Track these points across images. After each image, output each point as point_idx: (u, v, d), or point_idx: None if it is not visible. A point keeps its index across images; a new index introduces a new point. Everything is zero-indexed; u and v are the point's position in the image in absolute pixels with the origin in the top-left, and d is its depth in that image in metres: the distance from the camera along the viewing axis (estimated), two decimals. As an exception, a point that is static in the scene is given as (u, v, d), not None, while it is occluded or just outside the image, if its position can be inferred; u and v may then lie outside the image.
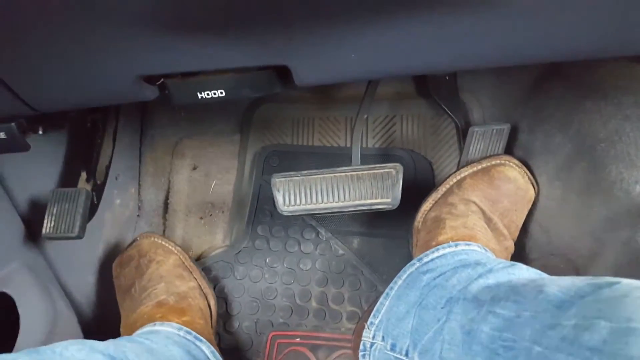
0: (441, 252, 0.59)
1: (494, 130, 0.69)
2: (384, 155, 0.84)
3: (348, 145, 0.85)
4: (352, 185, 0.66)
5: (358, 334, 0.63)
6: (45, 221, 0.60)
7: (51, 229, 0.59)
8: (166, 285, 0.67)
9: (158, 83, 0.48)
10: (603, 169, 0.58)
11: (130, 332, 0.62)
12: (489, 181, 0.66)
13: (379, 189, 0.65)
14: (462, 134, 0.73)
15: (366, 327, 0.59)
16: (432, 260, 0.59)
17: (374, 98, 0.82)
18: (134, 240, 0.75)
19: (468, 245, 0.59)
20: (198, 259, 0.84)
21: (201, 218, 0.88)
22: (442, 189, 0.69)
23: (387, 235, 0.81)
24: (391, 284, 0.60)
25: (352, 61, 0.41)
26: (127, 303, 0.68)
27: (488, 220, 0.64)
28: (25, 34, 0.38)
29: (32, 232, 0.66)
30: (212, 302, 0.72)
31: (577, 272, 0.61)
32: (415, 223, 0.70)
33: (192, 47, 0.40)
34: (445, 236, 0.61)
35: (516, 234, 0.67)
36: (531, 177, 0.67)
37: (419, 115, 0.84)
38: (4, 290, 0.59)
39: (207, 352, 0.59)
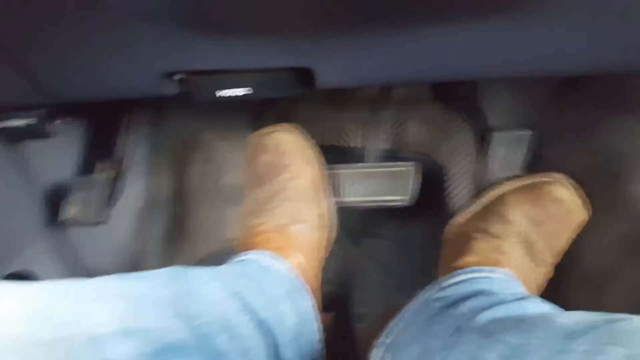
0: (462, 277, 0.55)
1: (515, 137, 0.67)
2: (395, 159, 0.83)
3: (359, 146, 0.84)
4: (370, 181, 0.67)
5: (366, 347, 0.62)
6: (65, 207, 0.61)
7: (70, 215, 0.61)
8: (292, 206, 0.62)
9: (178, 79, 0.48)
10: (625, 186, 0.57)
11: (247, 238, 0.62)
12: (534, 200, 0.59)
13: (397, 186, 0.66)
14: (480, 140, 0.72)
15: (377, 345, 0.56)
16: (449, 286, 0.55)
17: (389, 99, 0.82)
18: (273, 128, 0.68)
19: (492, 272, 0.55)
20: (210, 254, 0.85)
21: (213, 211, 0.89)
22: (481, 203, 0.65)
23: (400, 239, 0.80)
24: (407, 307, 0.58)
25: (377, 66, 0.41)
26: (252, 196, 0.66)
27: (528, 244, 0.58)
28: (54, 26, 0.38)
29: (53, 217, 0.67)
30: (333, 235, 0.67)
31: (599, 289, 0.60)
32: (444, 235, 0.66)
33: (217, 45, 0.40)
34: (471, 258, 0.58)
35: (559, 257, 0.61)
36: (586, 200, 0.60)
37: (433, 120, 0.83)
38: (30, 268, 0.60)
39: (308, 305, 0.57)
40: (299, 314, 0.55)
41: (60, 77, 0.45)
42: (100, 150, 0.69)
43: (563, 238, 0.60)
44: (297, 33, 0.38)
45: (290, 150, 0.66)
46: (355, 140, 0.85)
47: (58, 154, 0.68)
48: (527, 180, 0.62)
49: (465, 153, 0.80)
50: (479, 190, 0.70)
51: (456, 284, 0.55)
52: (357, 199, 0.68)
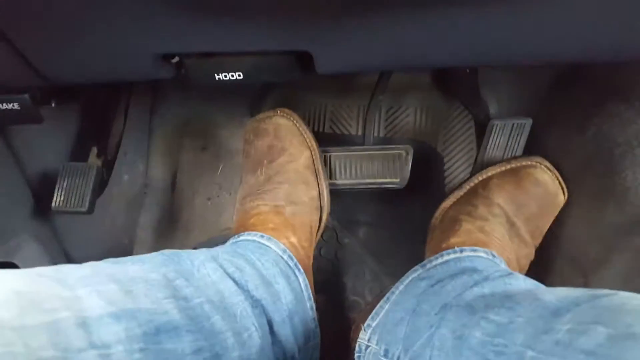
0: (445, 258, 0.57)
1: (515, 125, 0.67)
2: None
3: (359, 133, 0.84)
4: (363, 164, 0.69)
5: (356, 331, 0.63)
6: (55, 195, 0.60)
7: (61, 203, 0.59)
8: (289, 188, 0.64)
9: (175, 62, 0.47)
10: (619, 174, 0.58)
11: (244, 220, 0.64)
12: (516, 183, 0.63)
13: (389, 169, 0.69)
14: (480, 129, 0.72)
15: (363, 328, 0.58)
16: (434, 267, 0.57)
17: (387, 86, 0.82)
18: (272, 113, 0.70)
19: (474, 251, 0.57)
20: (204, 241, 0.84)
21: (208, 199, 0.88)
22: (465, 187, 0.67)
23: (394, 228, 0.81)
24: (392, 288, 0.59)
25: (378, 51, 0.41)
26: (250, 179, 0.67)
27: (511, 225, 0.61)
28: (46, 5, 0.37)
29: (42, 205, 0.66)
30: (325, 217, 0.69)
31: (586, 276, 0.61)
32: (433, 220, 0.69)
33: (214, 27, 0.39)
34: (457, 239, 0.60)
35: (539, 240, 0.64)
36: (562, 182, 0.64)
37: (433, 107, 0.83)
38: (13, 260, 0.60)
39: (302, 285, 0.59)
40: (293, 292, 0.56)
41: (52, 58, 0.43)
42: (93, 136, 0.68)
43: (543, 220, 0.63)
44: (297, 16, 0.38)
45: (287, 134, 0.68)
46: (353, 127, 0.85)
47: (49, 140, 0.67)
48: (510, 165, 0.65)
49: (464, 141, 0.81)
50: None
51: (441, 264, 0.57)
52: (351, 181, 0.70)
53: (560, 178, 0.64)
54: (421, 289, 0.54)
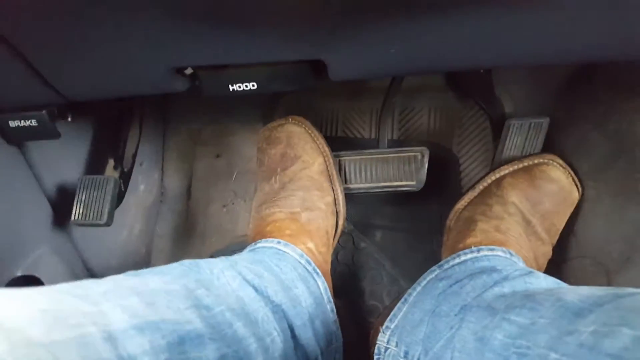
0: (462, 258, 0.57)
1: (532, 124, 0.66)
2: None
3: (372, 137, 0.84)
4: (378, 167, 0.69)
5: (375, 334, 0.63)
6: (74, 208, 0.60)
7: (80, 216, 0.60)
8: (304, 195, 0.64)
9: (189, 74, 0.48)
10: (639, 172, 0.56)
11: (260, 227, 0.64)
12: (530, 180, 0.62)
13: (405, 172, 0.68)
14: (496, 128, 0.71)
15: (382, 331, 0.58)
16: (452, 267, 0.57)
17: (400, 88, 0.82)
18: (284, 121, 0.70)
19: (492, 250, 0.56)
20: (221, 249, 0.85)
21: (224, 206, 0.89)
22: (479, 187, 0.67)
23: (410, 230, 0.80)
24: (410, 290, 0.59)
25: (391, 57, 0.40)
26: (265, 188, 0.67)
27: (527, 223, 0.61)
28: (61, 24, 0.37)
29: (60, 218, 0.67)
30: (341, 221, 0.69)
31: (608, 275, 0.60)
32: (448, 221, 0.68)
33: (228, 40, 0.39)
34: (474, 239, 0.59)
35: (556, 237, 0.64)
36: (576, 179, 0.64)
37: (447, 108, 0.82)
38: (34, 273, 0.61)
39: (321, 288, 0.59)
40: (312, 296, 0.56)
41: (69, 77, 0.44)
42: (109, 148, 0.68)
43: (559, 217, 0.63)
44: (309, 26, 0.38)
45: (300, 141, 0.68)
46: (367, 130, 0.84)
47: (66, 153, 0.68)
48: (523, 163, 0.65)
49: (479, 141, 0.80)
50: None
51: (458, 264, 0.56)
52: (367, 185, 0.70)
53: (573, 175, 0.63)
54: (439, 289, 0.54)
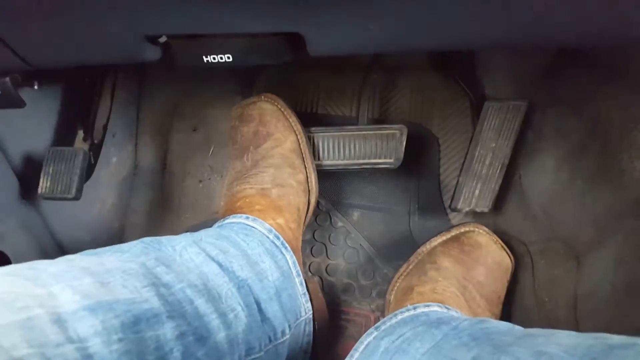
0: (399, 317, 0.57)
1: (511, 106, 0.67)
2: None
3: (353, 114, 0.83)
4: (357, 144, 0.69)
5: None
6: (41, 181, 0.58)
7: (47, 189, 0.58)
8: (275, 172, 0.64)
9: (161, 43, 0.45)
10: (614, 157, 0.57)
11: (231, 203, 0.64)
12: (460, 247, 0.66)
13: (384, 149, 0.69)
14: (476, 110, 0.71)
15: None
16: (389, 326, 0.56)
17: (382, 65, 0.81)
18: (256, 99, 0.69)
19: (428, 306, 0.57)
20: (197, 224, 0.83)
21: (200, 182, 0.87)
22: (413, 260, 0.69)
23: (387, 210, 0.80)
24: (347, 357, 0.56)
25: (371, 34, 0.39)
26: (237, 165, 0.68)
27: (463, 288, 0.62)
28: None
29: (28, 190, 0.64)
30: (313, 199, 0.69)
31: (578, 258, 0.61)
32: (387, 295, 0.69)
33: (201, 8, 0.37)
34: (412, 302, 0.60)
35: (499, 307, 0.65)
36: (504, 246, 0.67)
37: (429, 88, 0.81)
38: (2, 246, 0.59)
39: (290, 262, 0.60)
40: (279, 270, 0.56)
41: (33, 42, 0.41)
42: (79, 118, 0.66)
43: (496, 284, 0.65)
44: (288, -5, 0.36)
45: (272, 119, 0.68)
46: (347, 108, 0.83)
47: (33, 123, 0.65)
48: (451, 233, 0.69)
49: (459, 122, 0.80)
50: (472, 160, 0.69)
51: (397, 322, 0.56)
52: (345, 161, 0.71)
53: (502, 242, 0.68)
54: (382, 347, 0.52)
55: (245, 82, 0.87)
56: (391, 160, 0.70)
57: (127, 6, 0.37)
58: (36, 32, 0.40)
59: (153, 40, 0.44)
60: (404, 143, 0.69)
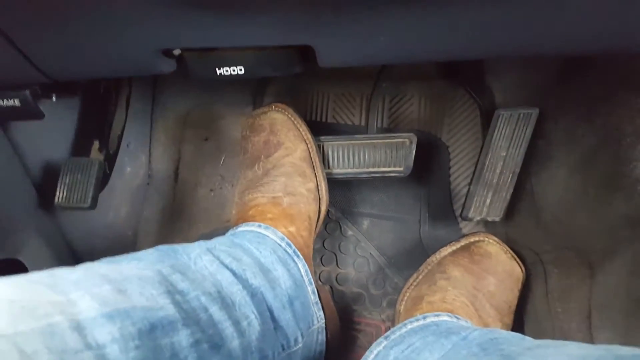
0: (409, 326, 0.57)
1: (521, 115, 0.66)
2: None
3: (362, 123, 0.83)
4: (367, 153, 0.70)
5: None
6: (57, 191, 0.59)
7: (64, 199, 0.59)
8: (286, 180, 0.65)
9: (176, 55, 0.46)
10: (627, 165, 0.57)
11: (243, 212, 0.64)
12: (469, 257, 0.66)
13: (393, 157, 0.70)
14: (486, 118, 0.72)
15: None
16: (399, 335, 0.56)
17: (391, 74, 0.81)
18: (267, 108, 0.70)
19: (437, 316, 0.57)
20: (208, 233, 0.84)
21: (211, 190, 0.88)
22: (423, 270, 0.69)
23: (397, 219, 0.80)
24: None
25: (380, 45, 0.40)
26: (248, 174, 0.68)
27: (474, 297, 0.62)
28: (45, 3, 0.36)
29: (45, 199, 0.65)
30: (324, 208, 0.69)
31: (591, 268, 0.61)
32: (397, 306, 0.69)
33: (215, 22, 0.38)
34: (421, 311, 0.60)
35: (510, 317, 0.65)
36: (515, 256, 0.67)
37: (437, 96, 0.82)
38: (17, 257, 0.60)
39: (302, 270, 0.60)
40: (292, 278, 0.57)
41: (52, 56, 0.43)
42: (95, 129, 0.67)
43: (507, 293, 0.65)
44: (298, 10, 0.37)
45: (282, 128, 0.68)
46: (356, 117, 0.84)
47: (51, 134, 0.66)
48: (460, 243, 0.69)
49: (469, 130, 0.80)
50: (482, 169, 0.69)
51: (406, 331, 0.56)
52: (355, 170, 0.71)
53: (512, 252, 0.67)
54: (391, 357, 0.53)
55: (256, 92, 0.88)
56: (401, 169, 0.70)
57: (144, 21, 0.38)
58: (56, 46, 0.42)
59: (168, 53, 0.45)
60: (414, 151, 0.69)
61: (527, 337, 0.44)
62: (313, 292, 0.60)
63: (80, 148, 0.69)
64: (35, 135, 0.63)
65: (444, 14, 0.37)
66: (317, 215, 0.69)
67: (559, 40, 0.41)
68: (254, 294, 0.50)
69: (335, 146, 0.70)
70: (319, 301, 0.60)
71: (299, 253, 0.60)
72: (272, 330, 0.50)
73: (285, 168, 0.66)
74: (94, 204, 0.60)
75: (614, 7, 0.36)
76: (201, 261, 0.48)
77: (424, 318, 0.57)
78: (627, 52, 0.53)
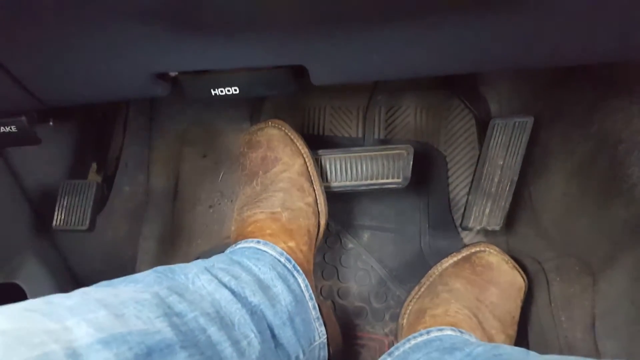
0: (412, 342, 0.57)
1: (517, 123, 0.67)
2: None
3: (359, 135, 0.84)
4: (365, 165, 0.70)
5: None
6: (55, 214, 0.59)
7: (61, 222, 0.59)
8: (284, 196, 0.65)
9: (171, 77, 0.47)
10: (624, 170, 0.57)
11: (242, 228, 0.64)
12: (471, 268, 0.66)
13: (391, 169, 0.70)
14: (481, 127, 0.72)
15: None
16: (402, 352, 0.56)
17: (386, 87, 0.82)
18: (264, 124, 0.71)
19: (441, 330, 0.57)
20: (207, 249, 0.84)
21: (210, 207, 0.88)
22: (425, 282, 0.69)
23: (397, 231, 0.80)
24: None
25: (372, 63, 0.40)
26: (247, 191, 0.69)
27: (477, 309, 0.62)
28: (38, 30, 0.36)
29: (43, 222, 0.65)
30: (323, 221, 0.69)
31: (593, 275, 0.60)
32: (399, 320, 0.69)
33: (209, 46, 0.38)
34: (424, 325, 0.60)
35: (514, 327, 0.65)
36: (516, 265, 0.67)
37: (433, 106, 0.82)
38: (15, 280, 0.60)
39: (302, 285, 0.60)
40: (292, 294, 0.56)
41: (48, 83, 0.43)
42: (92, 151, 0.67)
43: (510, 304, 0.65)
44: (290, 31, 0.37)
45: (279, 144, 0.69)
46: (353, 129, 0.84)
47: (48, 157, 0.67)
48: (462, 254, 0.69)
49: (465, 140, 0.80)
50: (480, 178, 0.69)
51: (410, 347, 0.56)
52: (353, 182, 0.71)
53: (514, 262, 0.67)
54: None
55: (252, 108, 0.89)
56: (399, 180, 0.70)
57: (138, 46, 0.39)
58: (51, 73, 0.42)
59: (163, 76, 0.45)
60: (411, 162, 0.69)
61: (531, 352, 0.44)
62: (314, 308, 0.60)
63: (77, 170, 0.69)
64: (32, 158, 0.63)
65: (435, 32, 0.37)
66: (316, 229, 0.69)
67: (550, 52, 0.41)
68: (254, 312, 0.49)
69: (332, 159, 0.71)
70: (320, 316, 0.60)
71: (298, 268, 0.60)
72: (273, 348, 0.50)
73: (284, 183, 0.66)
74: (92, 226, 0.60)
75: (605, 20, 0.37)
76: (199, 281, 0.48)
77: (428, 333, 0.56)
78: (619, 61, 0.54)
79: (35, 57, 0.40)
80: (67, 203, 0.59)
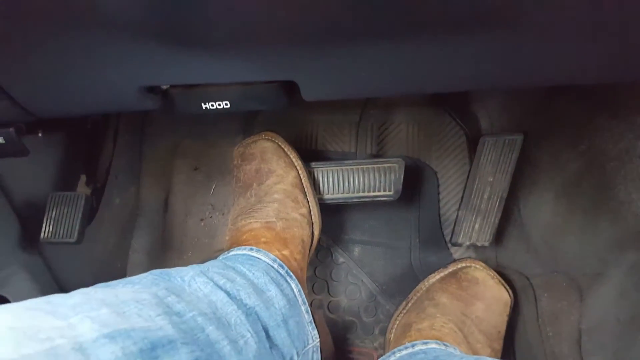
0: (397, 355, 0.57)
1: (507, 141, 0.68)
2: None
3: (352, 150, 0.84)
4: (357, 178, 0.71)
5: None
6: (43, 226, 0.59)
7: (50, 234, 0.59)
8: (279, 206, 0.66)
9: (161, 91, 0.47)
10: (612, 189, 0.57)
11: (236, 237, 0.65)
12: (457, 283, 0.67)
13: (382, 182, 0.71)
14: (472, 144, 0.73)
15: None
16: None
17: (378, 101, 0.82)
18: (257, 137, 0.71)
19: (425, 344, 0.57)
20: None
21: (201, 220, 0.87)
22: (412, 297, 0.70)
23: (388, 245, 0.80)
24: None
25: (363, 80, 0.40)
26: (241, 202, 0.69)
27: (462, 323, 0.63)
28: (27, 42, 0.36)
29: (30, 234, 0.65)
30: (317, 232, 0.70)
31: (580, 291, 0.61)
32: (387, 334, 0.69)
33: (198, 60, 0.39)
34: (409, 339, 0.60)
35: (500, 342, 0.65)
36: (502, 281, 0.68)
37: (425, 123, 0.83)
38: (1, 293, 0.59)
39: (295, 290, 0.60)
40: (285, 298, 0.57)
41: (36, 95, 0.43)
42: (82, 163, 0.67)
43: (495, 318, 0.66)
44: (281, 47, 0.37)
45: (273, 156, 0.69)
46: (346, 143, 0.85)
47: (37, 169, 0.66)
48: (448, 269, 0.70)
49: (456, 156, 0.81)
50: (470, 194, 0.70)
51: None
52: (344, 195, 0.71)
53: (500, 277, 0.68)
54: None
55: (245, 121, 0.89)
56: (390, 193, 0.71)
57: (127, 60, 0.39)
58: (38, 85, 0.42)
59: (153, 89, 0.45)
60: (402, 176, 0.70)
61: None
62: (307, 312, 0.60)
63: (66, 182, 0.69)
64: (20, 169, 0.62)
65: (423, 51, 0.38)
66: (310, 240, 0.69)
67: (540, 73, 0.42)
68: (249, 314, 0.50)
69: (325, 172, 0.71)
70: (313, 320, 0.60)
71: (291, 273, 0.61)
72: (268, 349, 0.51)
73: (278, 195, 0.67)
74: (80, 238, 0.60)
75: (594, 43, 0.37)
76: (195, 283, 0.48)
77: (413, 346, 0.57)
78: (608, 82, 0.55)
79: (24, 69, 0.40)
80: (55, 215, 0.59)
